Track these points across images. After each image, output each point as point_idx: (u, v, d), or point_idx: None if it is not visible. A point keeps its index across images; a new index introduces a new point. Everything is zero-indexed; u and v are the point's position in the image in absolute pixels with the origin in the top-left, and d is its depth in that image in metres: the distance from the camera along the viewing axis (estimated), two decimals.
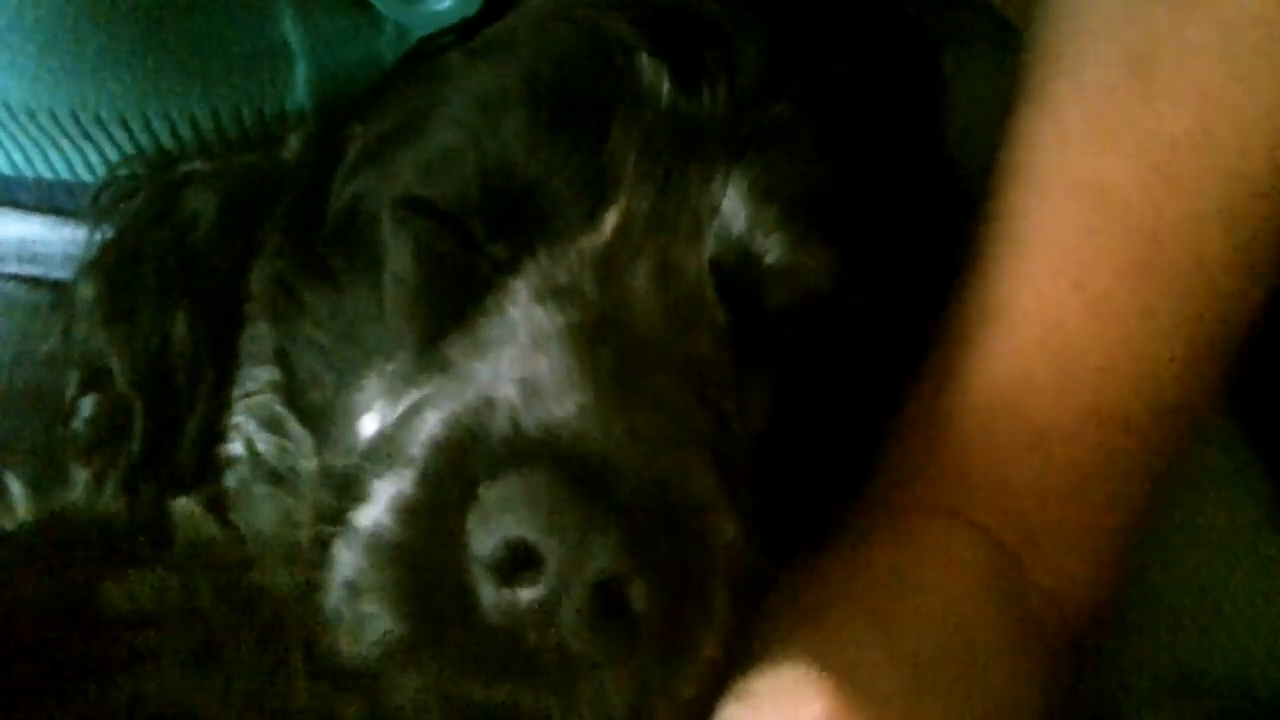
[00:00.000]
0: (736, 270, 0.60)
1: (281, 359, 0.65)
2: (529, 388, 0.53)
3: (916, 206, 0.67)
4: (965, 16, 0.86)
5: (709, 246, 0.59)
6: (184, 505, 0.65)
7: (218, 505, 0.65)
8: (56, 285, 0.75)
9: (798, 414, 0.62)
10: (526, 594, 0.49)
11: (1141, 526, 0.63)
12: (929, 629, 0.56)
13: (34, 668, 0.54)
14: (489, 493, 0.50)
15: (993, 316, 0.62)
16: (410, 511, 0.52)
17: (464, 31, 0.66)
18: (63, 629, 0.55)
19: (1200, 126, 0.62)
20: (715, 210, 0.60)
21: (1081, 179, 0.63)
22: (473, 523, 0.50)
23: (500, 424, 0.52)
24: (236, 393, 0.66)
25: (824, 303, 0.61)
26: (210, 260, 0.67)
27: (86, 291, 0.68)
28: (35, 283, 0.76)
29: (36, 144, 0.73)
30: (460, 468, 0.52)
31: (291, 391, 0.64)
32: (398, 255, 0.61)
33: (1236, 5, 0.62)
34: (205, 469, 0.66)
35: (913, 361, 0.65)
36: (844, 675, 0.52)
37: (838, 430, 0.63)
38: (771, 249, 0.60)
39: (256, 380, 0.66)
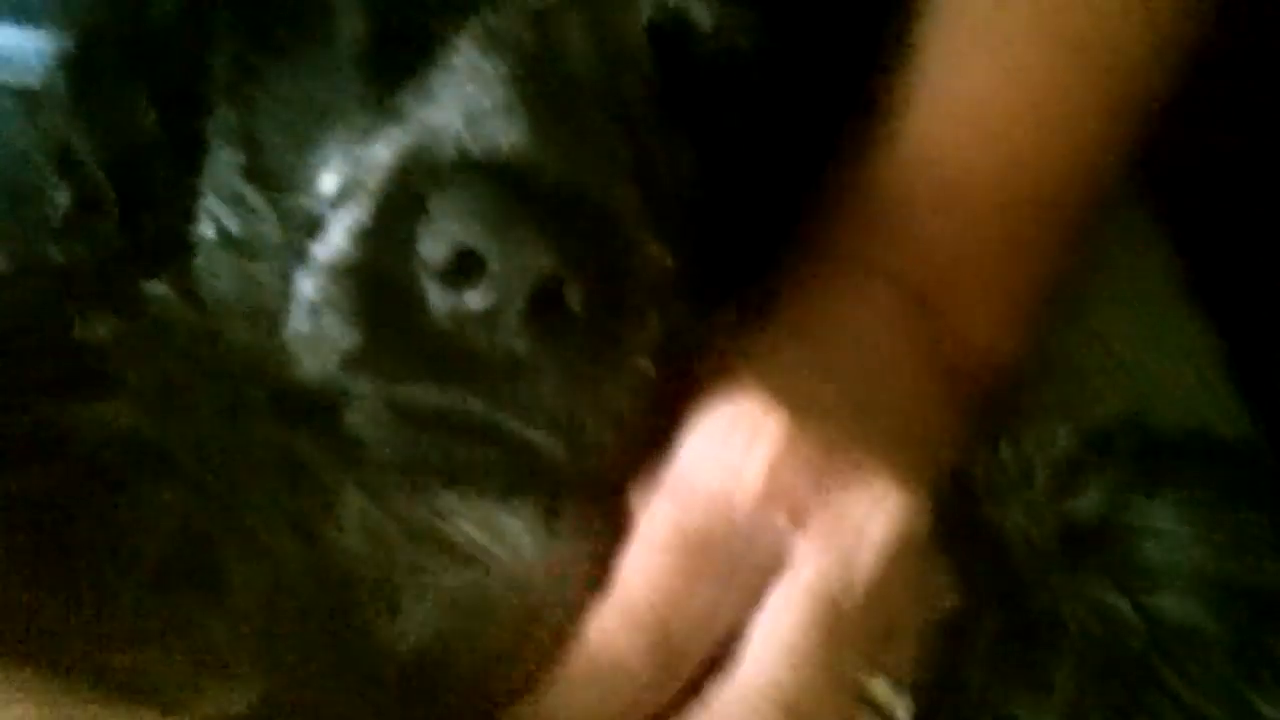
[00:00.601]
0: (669, 31, 0.64)
1: (245, 138, 0.68)
2: (472, 120, 0.57)
3: None
4: None
5: (645, 10, 0.63)
6: (154, 286, 0.69)
7: (188, 289, 0.69)
8: (29, 90, 0.78)
9: (724, 175, 0.65)
10: (472, 297, 0.53)
11: (1055, 287, 0.68)
12: (858, 361, 0.61)
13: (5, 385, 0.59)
14: (437, 205, 0.54)
15: (914, 84, 0.67)
16: (366, 233, 0.57)
17: None
18: (38, 351, 0.59)
19: None
20: None
21: None
22: (422, 236, 0.54)
23: (446, 149, 0.57)
24: (205, 177, 0.69)
25: (750, 63, 0.65)
26: (170, 42, 0.70)
27: (54, 83, 0.71)
28: (12, 91, 0.80)
29: None
30: (411, 189, 0.56)
31: (255, 167, 0.67)
32: (349, 18, 0.64)
33: None
34: (175, 251, 0.70)
35: (839, 124, 0.69)
36: (791, 399, 0.57)
37: (764, 189, 0.67)
38: (703, 16, 0.64)
39: (222, 162, 0.69)
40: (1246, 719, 0.52)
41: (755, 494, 0.55)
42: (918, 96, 0.66)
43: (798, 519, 0.55)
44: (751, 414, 0.57)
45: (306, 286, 0.57)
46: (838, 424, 0.57)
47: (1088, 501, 0.55)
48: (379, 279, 0.55)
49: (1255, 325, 0.75)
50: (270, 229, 0.66)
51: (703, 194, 0.64)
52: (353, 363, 0.56)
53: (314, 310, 0.57)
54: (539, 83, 0.58)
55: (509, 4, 0.62)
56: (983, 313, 0.65)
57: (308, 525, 0.59)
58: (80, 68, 0.71)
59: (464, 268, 0.53)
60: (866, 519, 0.55)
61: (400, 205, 0.56)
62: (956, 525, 0.57)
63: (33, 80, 0.77)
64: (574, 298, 0.53)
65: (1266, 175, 0.77)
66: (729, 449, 0.56)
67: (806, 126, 0.67)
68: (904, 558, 0.55)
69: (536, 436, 0.56)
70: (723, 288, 0.63)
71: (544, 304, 0.53)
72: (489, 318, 0.53)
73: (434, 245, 0.54)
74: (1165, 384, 0.72)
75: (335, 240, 0.57)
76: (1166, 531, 0.54)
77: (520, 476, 0.58)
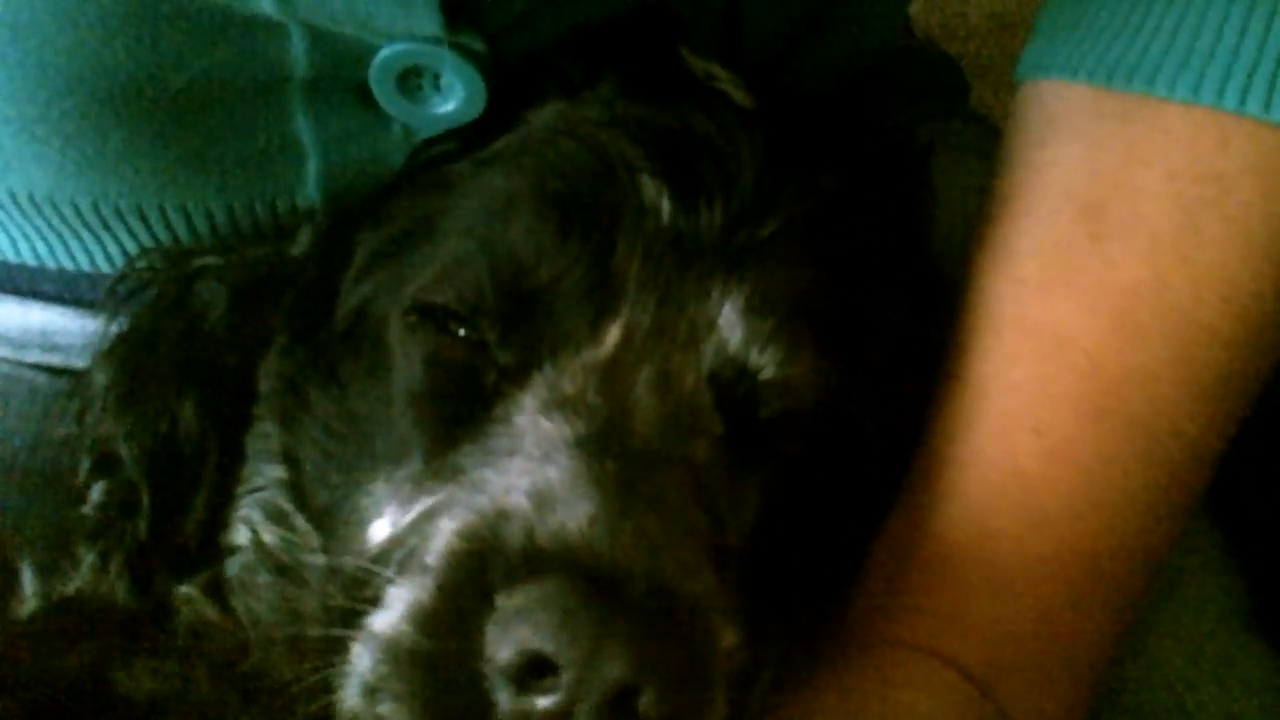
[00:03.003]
0: (732, 381, 0.62)
1: (289, 458, 0.67)
2: (539, 497, 0.56)
3: (904, 318, 0.69)
4: (956, 126, 0.89)
5: (707, 359, 0.62)
6: (185, 590, 0.67)
7: (218, 592, 0.67)
8: (76, 373, 0.77)
9: (789, 520, 0.64)
10: (542, 701, 0.51)
11: (1111, 657, 0.65)
12: None
13: None
14: (507, 602, 0.52)
15: (955, 463, 0.65)
16: (429, 619, 0.54)
17: (466, 137, 0.69)
18: (79, 713, 0.57)
19: (1152, 274, 0.64)
20: (712, 324, 0.62)
21: (1038, 327, 0.65)
22: (490, 631, 0.52)
23: (514, 534, 0.55)
24: (243, 488, 0.68)
25: (815, 413, 0.64)
26: (220, 351, 0.69)
27: (100, 379, 0.70)
28: (56, 371, 0.79)
29: (59, 235, 0.75)
30: (477, 577, 0.54)
31: (298, 489, 0.66)
32: (407, 362, 0.63)
33: (1186, 156, 0.65)
34: (208, 556, 0.68)
35: (899, 471, 0.67)
36: None
37: (826, 536, 0.66)
38: (766, 362, 0.63)
39: (264, 476, 0.68)
40: None
41: None
42: (968, 468, 0.65)
43: None
44: None
45: (363, 662, 0.55)
46: None
47: None
48: (442, 668, 0.53)
49: None
50: (312, 555, 0.64)
51: (770, 547, 0.62)
52: None
53: (371, 692, 0.55)
54: (609, 456, 0.57)
55: (572, 356, 0.61)
56: (1041, 699, 0.62)
57: None
58: (129, 366, 0.70)
59: (534, 667, 0.51)
60: None
61: (466, 593, 0.54)
62: None
63: (77, 361, 0.77)
64: (649, 705, 0.51)
65: None
66: None
67: (868, 472, 0.65)
68: None
69: None
70: (784, 639, 0.61)
71: (617, 706, 0.51)
72: (559, 718, 0.51)
73: (502, 646, 0.52)
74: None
75: (393, 617, 0.55)
76: None
77: None
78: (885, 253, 0.69)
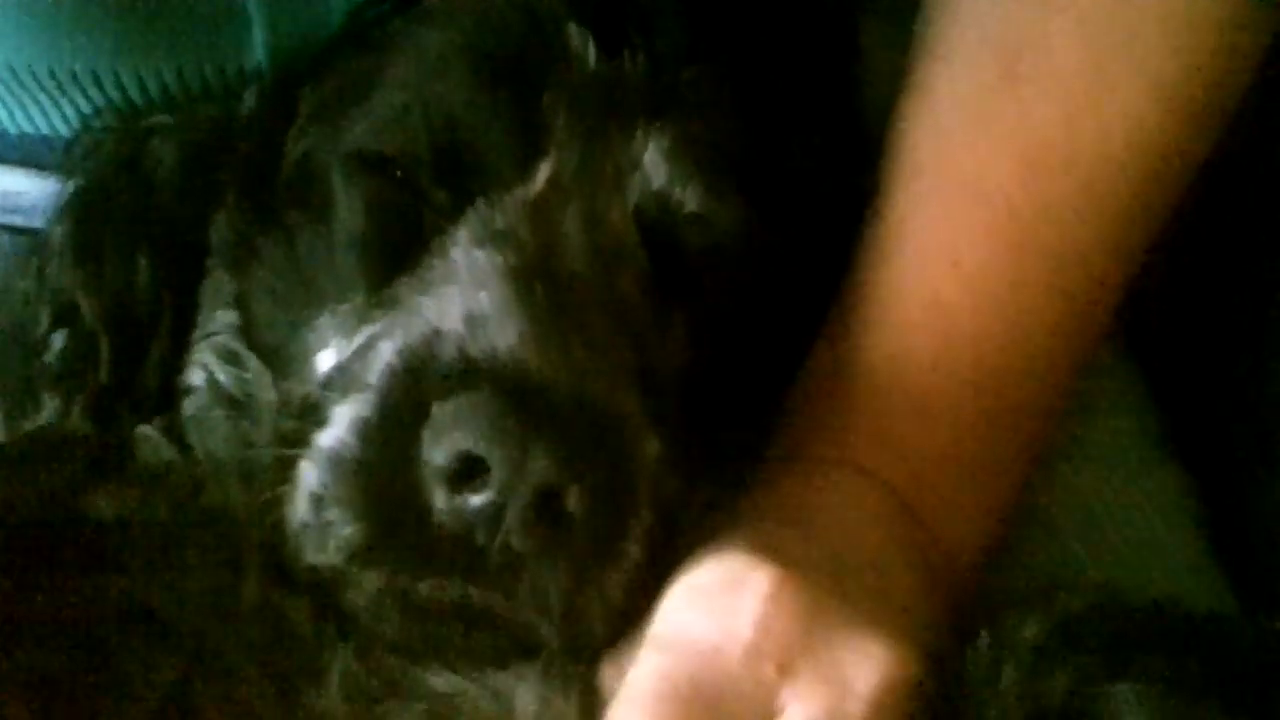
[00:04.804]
0: (657, 218, 0.66)
1: (240, 303, 0.71)
2: (472, 320, 0.59)
3: (825, 165, 0.73)
4: None
5: (632, 196, 0.66)
6: (144, 431, 0.71)
7: (176, 432, 0.71)
8: (35, 233, 0.80)
9: (713, 352, 0.68)
10: (475, 500, 0.55)
11: (1025, 479, 0.69)
12: (842, 545, 0.62)
13: (22, 568, 0.60)
14: (441, 411, 0.56)
15: (877, 293, 0.69)
16: (369, 430, 0.58)
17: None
18: (50, 533, 0.60)
19: (1063, 116, 0.67)
20: (637, 164, 0.66)
21: (956, 168, 0.69)
22: (426, 438, 0.56)
23: (448, 351, 0.59)
24: (197, 334, 0.72)
25: (735, 248, 0.67)
26: (172, 207, 0.72)
27: (58, 235, 0.74)
28: (17, 231, 0.82)
29: (19, 100, 0.79)
30: (413, 391, 0.58)
31: (249, 332, 0.70)
32: (348, 206, 0.67)
33: (1095, 2, 0.68)
34: (166, 399, 0.72)
35: (820, 307, 0.71)
36: (778, 558, 0.58)
37: (752, 366, 0.69)
38: (688, 199, 0.66)
39: (217, 322, 0.71)
40: None
41: (744, 645, 0.56)
42: (889, 299, 0.68)
43: (786, 670, 0.56)
44: (739, 568, 0.58)
45: (309, 475, 0.59)
46: (823, 584, 0.58)
47: (1054, 690, 0.55)
48: (382, 475, 0.57)
49: (1234, 484, 0.75)
50: (264, 391, 0.68)
51: (697, 376, 0.65)
52: (355, 555, 0.57)
53: (317, 501, 0.58)
54: (537, 280, 0.60)
55: (503, 194, 0.64)
56: (958, 517, 0.66)
57: (291, 687, 0.60)
58: (85, 223, 0.73)
59: (466, 471, 0.55)
60: (853, 671, 0.56)
61: (403, 405, 0.58)
62: (931, 711, 0.57)
63: (40, 224, 0.80)
64: (573, 501, 0.55)
65: (1245, 328, 0.78)
66: (717, 602, 0.57)
67: (791, 307, 0.69)
68: (889, 709, 0.56)
69: (534, 622, 0.58)
70: (715, 464, 0.65)
71: (544, 505, 0.55)
72: (490, 517, 0.55)
73: (437, 450, 0.56)
74: (1142, 548, 0.73)
75: (338, 432, 0.59)
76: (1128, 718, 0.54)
77: (515, 654, 0.60)
78: (808, 101, 0.73)
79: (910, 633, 0.58)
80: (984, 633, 0.57)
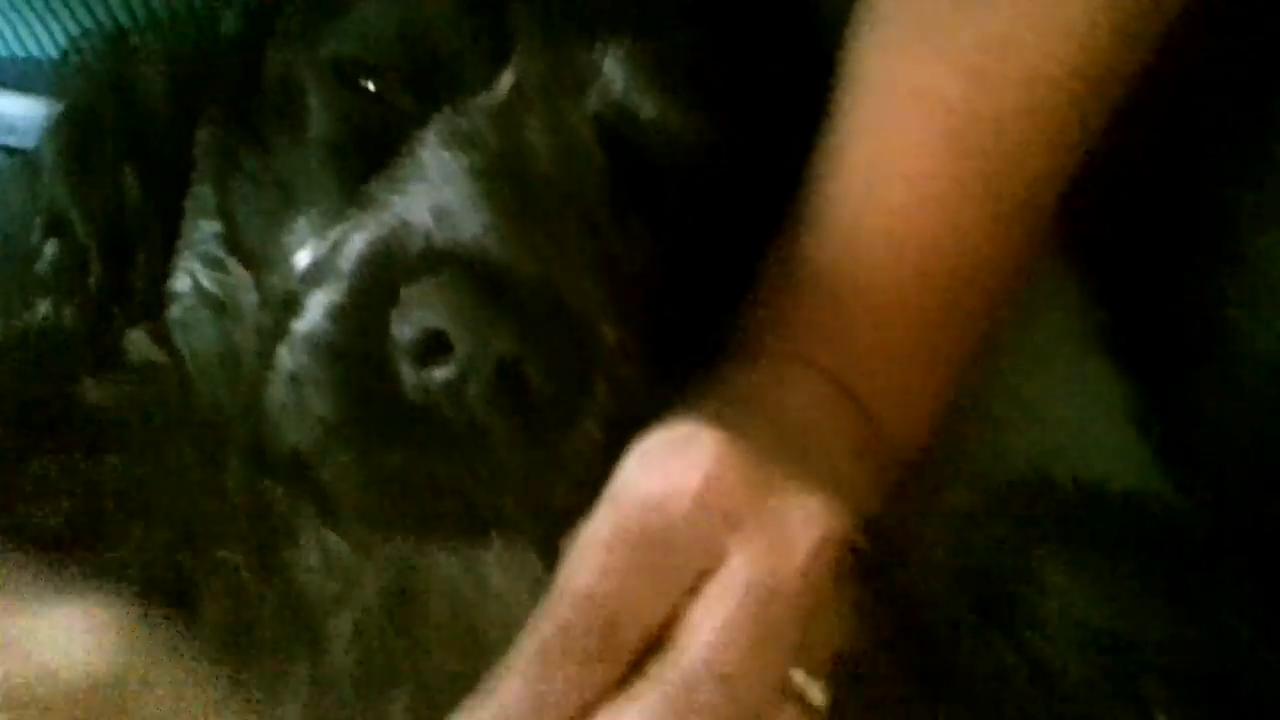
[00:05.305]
0: (616, 125, 0.70)
1: (223, 213, 0.74)
2: (439, 213, 0.63)
3: (782, 77, 0.77)
4: None
5: (593, 102, 0.70)
6: (134, 335, 0.75)
7: (164, 336, 0.75)
8: (28, 152, 0.84)
9: (674, 257, 0.72)
10: (440, 373, 0.59)
11: (963, 372, 0.74)
12: (784, 425, 0.67)
13: (19, 448, 0.64)
14: (409, 292, 0.60)
15: (829, 197, 0.73)
16: (341, 314, 0.62)
17: None
18: (47, 420, 0.64)
19: (1004, 29, 0.71)
20: (598, 72, 0.70)
21: (903, 81, 0.73)
22: (395, 318, 0.60)
23: (416, 241, 0.63)
24: (183, 243, 0.75)
25: (693, 156, 0.71)
26: (157, 125, 0.76)
27: (49, 152, 0.77)
28: (11, 151, 0.85)
29: (10, 24, 0.83)
30: (383, 276, 0.62)
31: (232, 239, 0.74)
32: (322, 114, 0.71)
33: None
34: (153, 308, 0.75)
35: (777, 213, 0.75)
36: (726, 426, 0.62)
37: (710, 273, 0.73)
38: (645, 107, 0.70)
39: (201, 231, 0.75)
40: None
41: (692, 498, 0.60)
42: (839, 203, 0.72)
43: (731, 522, 0.59)
44: (687, 433, 0.62)
45: (286, 359, 0.63)
46: (766, 449, 0.62)
47: (980, 552, 0.59)
48: (354, 355, 0.61)
49: (1166, 378, 0.79)
50: (247, 294, 0.72)
51: (657, 277, 0.70)
52: (330, 431, 0.61)
53: (294, 381, 0.62)
54: (501, 179, 0.64)
55: (471, 103, 0.68)
56: (897, 403, 0.71)
57: (273, 557, 0.64)
58: (75, 139, 0.77)
59: (432, 347, 0.59)
60: (796, 525, 0.60)
61: (373, 289, 0.62)
62: (863, 571, 0.61)
63: (31, 145, 0.83)
64: (532, 375, 0.59)
65: (1180, 226, 0.82)
66: (667, 461, 0.61)
67: (751, 211, 0.74)
68: (828, 562, 0.60)
69: (497, 493, 0.62)
70: (674, 362, 0.69)
71: (505, 380, 0.59)
72: (455, 391, 0.59)
73: (405, 328, 0.60)
74: (1075, 435, 0.78)
75: (313, 317, 0.63)
76: (1053, 584, 0.58)
77: (482, 527, 0.63)
78: (766, 15, 0.77)
79: (847, 498, 0.63)
80: (915, 500, 0.60)
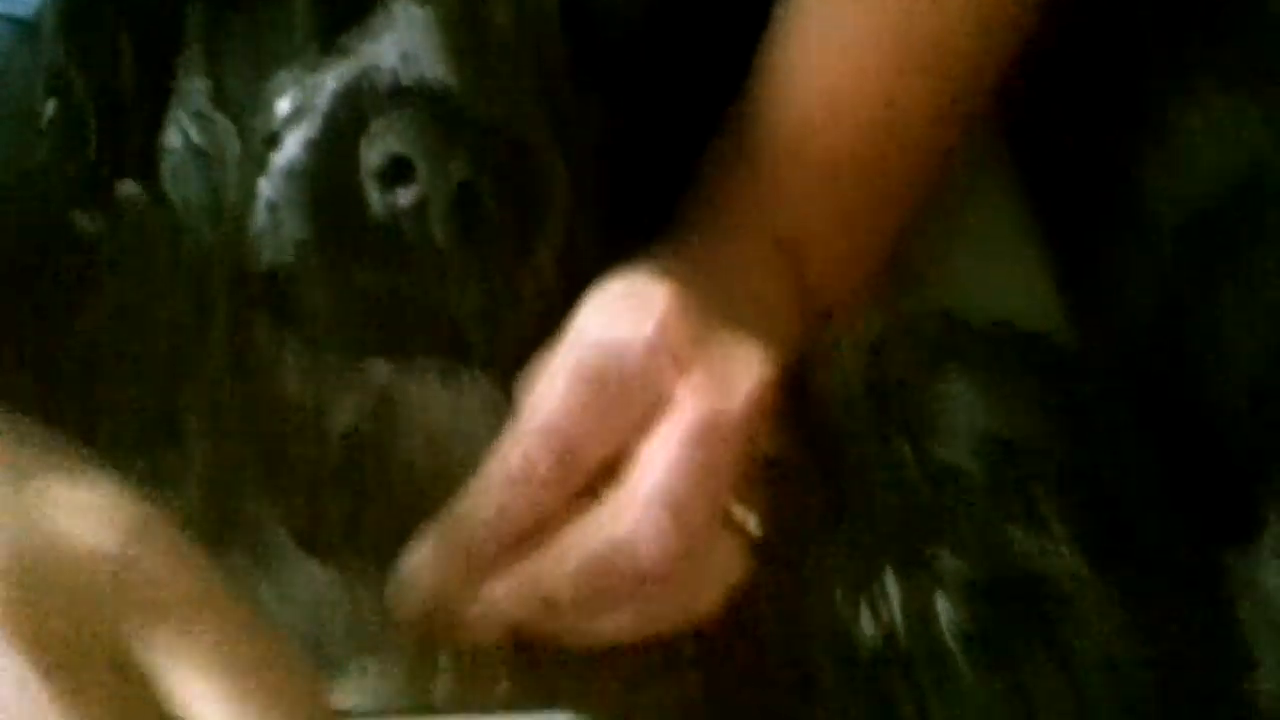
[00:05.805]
0: (575, 2, 0.75)
1: (210, 73, 0.80)
2: (405, 57, 0.69)
3: None
4: None
5: None
6: (127, 186, 0.81)
7: (156, 189, 0.81)
8: (31, 22, 0.90)
9: (629, 134, 0.78)
10: (404, 196, 0.65)
11: (896, 241, 0.81)
12: (731, 280, 0.74)
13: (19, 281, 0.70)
14: (376, 124, 0.67)
15: (775, 78, 0.79)
16: (316, 145, 0.69)
17: None
18: (43, 247, 0.70)
19: None
20: None
21: None
22: (363, 146, 0.66)
23: (383, 80, 0.69)
24: (174, 100, 0.81)
25: (650, 35, 0.78)
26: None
27: (50, 18, 0.83)
28: (16, 20, 0.91)
29: None
30: (353, 111, 0.69)
31: (219, 96, 0.79)
32: None
33: None
34: (146, 165, 0.81)
35: (732, 83, 0.82)
36: (675, 281, 0.68)
37: (664, 150, 0.80)
38: None
39: (190, 89, 0.80)
40: (1003, 550, 0.63)
41: (645, 343, 0.66)
42: (785, 82, 0.79)
43: (680, 366, 0.66)
44: (641, 284, 0.69)
45: (266, 188, 0.70)
46: (713, 302, 0.69)
47: (891, 371, 0.66)
48: (327, 181, 0.68)
49: (1087, 241, 0.86)
50: (232, 144, 0.78)
51: (611, 144, 0.76)
52: (305, 251, 0.68)
53: (272, 208, 0.69)
54: (464, 31, 0.70)
55: None
56: (831, 263, 0.78)
57: (252, 375, 0.71)
58: (71, 8, 0.82)
59: (397, 173, 0.66)
60: (736, 371, 0.66)
61: (345, 122, 0.68)
62: (791, 402, 0.68)
63: (32, 14, 0.89)
64: (487, 200, 0.65)
65: (1107, 105, 0.88)
66: (623, 308, 0.68)
67: (702, 86, 0.80)
68: (763, 404, 0.67)
69: (459, 315, 0.68)
70: (627, 225, 0.75)
71: (463, 202, 0.65)
72: (418, 213, 0.65)
73: (372, 154, 0.66)
74: (985, 280, 0.85)
75: (290, 149, 0.70)
76: (953, 395, 0.65)
77: (451, 352, 0.70)
78: None
79: (782, 348, 0.69)
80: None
